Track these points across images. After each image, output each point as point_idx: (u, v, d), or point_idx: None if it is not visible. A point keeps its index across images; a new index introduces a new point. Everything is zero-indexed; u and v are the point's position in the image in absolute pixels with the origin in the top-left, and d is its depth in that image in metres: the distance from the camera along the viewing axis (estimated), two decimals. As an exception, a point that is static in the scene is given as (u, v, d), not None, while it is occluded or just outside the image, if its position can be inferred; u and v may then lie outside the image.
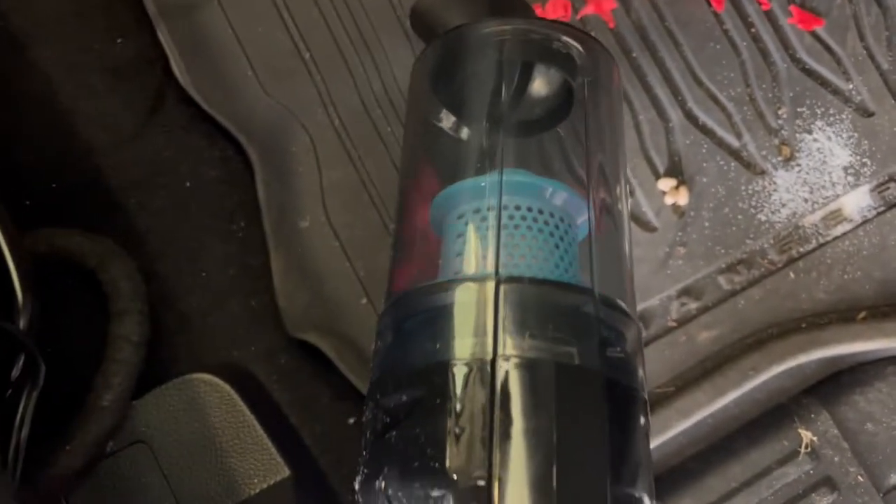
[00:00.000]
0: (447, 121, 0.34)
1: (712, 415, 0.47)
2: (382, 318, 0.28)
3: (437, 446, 0.22)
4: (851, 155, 0.49)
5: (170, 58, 0.44)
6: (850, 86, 0.50)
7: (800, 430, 0.46)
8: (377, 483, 0.23)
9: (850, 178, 0.49)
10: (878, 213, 0.49)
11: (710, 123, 0.49)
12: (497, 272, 0.25)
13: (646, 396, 0.26)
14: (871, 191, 0.49)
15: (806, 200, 0.49)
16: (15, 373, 0.30)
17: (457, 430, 0.22)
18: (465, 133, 0.33)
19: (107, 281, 0.37)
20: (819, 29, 0.50)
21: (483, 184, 0.28)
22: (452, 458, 0.22)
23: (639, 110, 0.49)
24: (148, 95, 0.44)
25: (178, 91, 0.44)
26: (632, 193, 0.48)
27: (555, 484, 0.21)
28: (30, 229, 0.38)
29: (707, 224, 0.48)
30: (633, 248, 0.47)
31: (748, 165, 0.49)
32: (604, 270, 0.27)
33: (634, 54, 0.49)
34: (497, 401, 0.22)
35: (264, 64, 0.46)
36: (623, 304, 0.27)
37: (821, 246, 0.49)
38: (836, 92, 0.50)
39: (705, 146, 0.49)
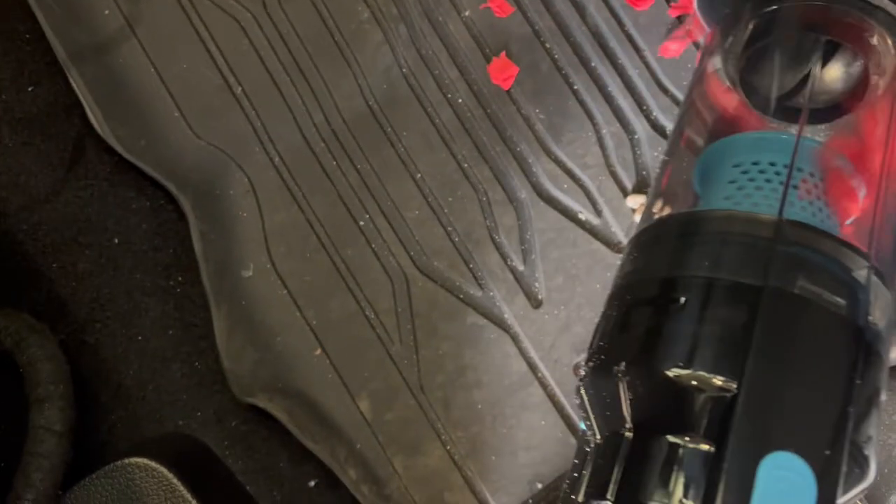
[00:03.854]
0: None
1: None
2: (638, 236, 0.29)
3: (688, 347, 0.23)
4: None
5: (84, 105, 0.40)
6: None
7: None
8: (614, 369, 0.24)
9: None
10: None
11: (679, 132, 0.46)
12: (781, 212, 0.26)
13: (887, 374, 0.27)
14: None
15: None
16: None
17: (713, 338, 0.23)
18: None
19: (24, 363, 0.33)
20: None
21: (770, 137, 0.29)
22: (705, 361, 0.23)
23: (601, 124, 0.45)
24: (65, 147, 0.41)
25: (99, 140, 0.41)
26: (599, 213, 0.45)
27: (796, 408, 0.22)
28: (-63, 309, 0.35)
29: (682, 240, 0.45)
30: (604, 272, 0.44)
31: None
32: (878, 246, 0.29)
33: (593, 63, 0.46)
34: (759, 323, 0.23)
35: (192, 103, 0.43)
36: (888, 281, 0.28)
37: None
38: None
39: (675, 157, 0.46)
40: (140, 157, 0.41)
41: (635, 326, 0.25)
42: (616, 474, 0.23)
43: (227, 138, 0.43)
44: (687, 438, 0.22)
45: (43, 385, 0.33)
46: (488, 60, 0.46)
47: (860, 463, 0.24)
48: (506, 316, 0.43)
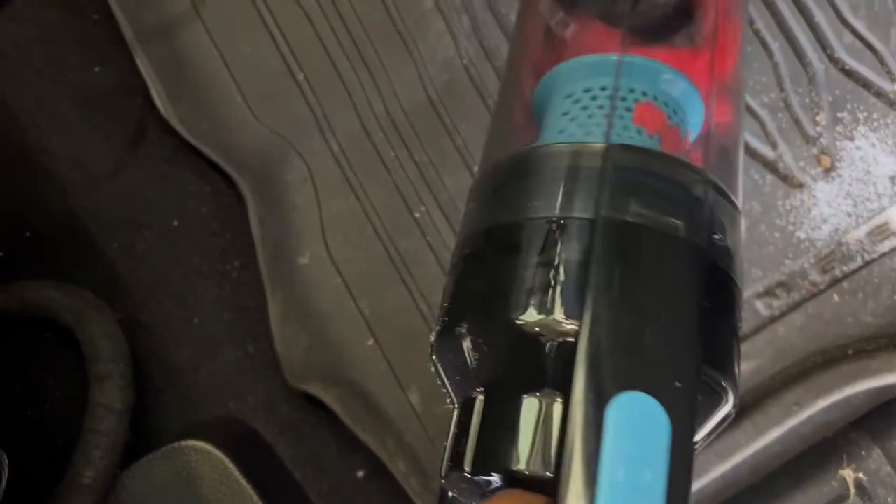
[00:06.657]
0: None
1: (752, 454, 0.43)
2: (475, 186, 0.27)
3: (527, 294, 0.22)
4: (898, 163, 0.45)
5: (149, 86, 0.41)
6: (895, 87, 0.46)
7: (847, 471, 0.42)
8: (457, 329, 0.23)
9: (897, 189, 0.45)
10: (930, 226, 0.45)
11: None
12: (607, 137, 0.25)
13: (742, 293, 0.25)
14: (921, 202, 0.45)
15: (849, 214, 0.45)
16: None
17: (548, 282, 0.22)
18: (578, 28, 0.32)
19: (85, 340, 0.33)
20: (860, 25, 0.46)
21: (598, 62, 0.27)
22: (541, 307, 0.22)
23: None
24: (128, 127, 0.41)
25: (161, 122, 0.41)
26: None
27: (639, 342, 0.21)
28: (0, 283, 0.35)
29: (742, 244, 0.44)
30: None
31: (785, 178, 0.45)
32: (716, 160, 0.27)
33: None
34: (594, 258, 0.22)
35: (254, 88, 0.43)
36: (732, 196, 0.26)
37: (867, 264, 0.45)
38: (879, 94, 0.46)
39: (737, 159, 0.45)
40: (201, 139, 0.41)
41: (473, 281, 0.24)
42: (471, 441, 0.22)
43: (288, 124, 0.43)
44: (536, 394, 0.21)
45: (103, 362, 0.33)
46: (551, 54, 0.45)
47: (717, 391, 0.23)
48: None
